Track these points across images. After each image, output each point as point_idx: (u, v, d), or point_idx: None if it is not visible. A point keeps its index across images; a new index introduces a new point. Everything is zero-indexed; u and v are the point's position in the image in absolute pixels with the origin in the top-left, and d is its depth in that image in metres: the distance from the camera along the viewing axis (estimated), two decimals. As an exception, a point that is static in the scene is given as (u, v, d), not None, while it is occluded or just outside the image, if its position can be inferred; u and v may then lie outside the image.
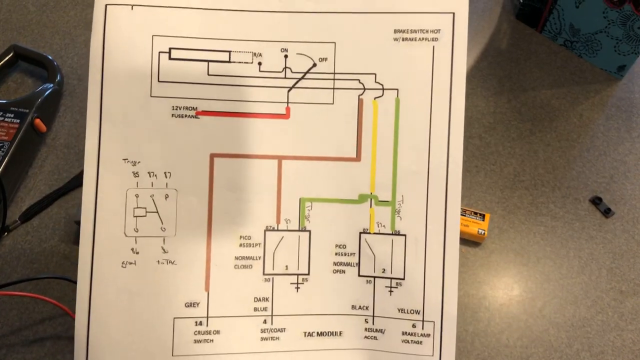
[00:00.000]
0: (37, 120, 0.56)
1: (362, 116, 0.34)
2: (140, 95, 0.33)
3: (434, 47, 0.33)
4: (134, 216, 0.33)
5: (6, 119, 0.55)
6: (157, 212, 0.33)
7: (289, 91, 0.34)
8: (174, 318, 0.33)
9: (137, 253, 0.33)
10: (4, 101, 0.57)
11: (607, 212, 0.56)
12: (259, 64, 0.34)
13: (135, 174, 0.33)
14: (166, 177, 0.33)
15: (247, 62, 0.34)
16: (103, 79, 0.33)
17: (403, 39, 0.33)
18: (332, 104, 0.34)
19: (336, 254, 0.34)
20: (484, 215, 0.54)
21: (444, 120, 0.33)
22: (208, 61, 0.33)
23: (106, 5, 0.33)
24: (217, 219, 0.33)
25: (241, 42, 0.33)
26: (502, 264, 0.53)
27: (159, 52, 0.33)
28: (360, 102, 0.34)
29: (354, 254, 0.34)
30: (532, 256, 0.53)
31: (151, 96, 0.33)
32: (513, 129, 0.61)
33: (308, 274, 0.34)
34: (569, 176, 0.58)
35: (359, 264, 0.34)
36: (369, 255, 0.34)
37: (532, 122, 0.62)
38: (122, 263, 0.33)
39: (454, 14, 0.33)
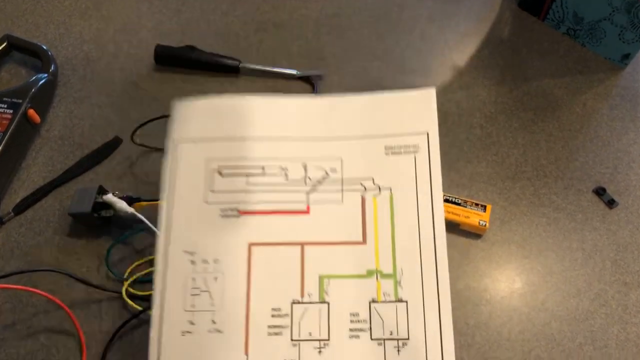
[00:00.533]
0: (31, 111, 0.55)
1: (365, 210, 0.43)
2: (198, 203, 0.43)
3: (415, 157, 0.44)
4: (191, 295, 0.41)
5: (-1, 110, 0.54)
6: (209, 291, 0.41)
7: (308, 194, 0.44)
8: None
9: (193, 324, 0.40)
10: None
11: (610, 203, 0.55)
12: (286, 175, 0.44)
13: (193, 262, 0.42)
14: (215, 263, 0.42)
15: (276, 175, 0.44)
16: (174, 189, 0.43)
17: (392, 153, 0.44)
18: (342, 202, 0.44)
19: (351, 321, 0.41)
20: (485, 207, 0.53)
21: (428, 207, 0.42)
22: (247, 175, 0.44)
23: (176, 142, 0.45)
24: (254, 295, 0.41)
25: (272, 159, 0.45)
26: (503, 256, 0.52)
27: (212, 170, 0.44)
28: (362, 200, 0.43)
29: (366, 320, 0.41)
30: (534, 248, 0.52)
31: (206, 202, 0.43)
32: (515, 119, 0.60)
33: (328, 339, 0.40)
34: (572, 167, 0.57)
35: (370, 329, 0.40)
36: (378, 321, 0.40)
37: (535, 111, 0.61)
38: (182, 332, 0.40)
39: (427, 133, 0.44)
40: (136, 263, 0.50)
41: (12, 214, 0.53)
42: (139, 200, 0.50)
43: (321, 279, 0.41)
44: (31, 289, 0.46)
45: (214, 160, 0.44)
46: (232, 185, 0.44)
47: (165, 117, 0.56)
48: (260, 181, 0.44)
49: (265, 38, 0.66)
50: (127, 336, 0.47)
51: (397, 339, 0.40)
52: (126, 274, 0.49)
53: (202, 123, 0.46)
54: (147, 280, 0.49)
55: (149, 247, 0.51)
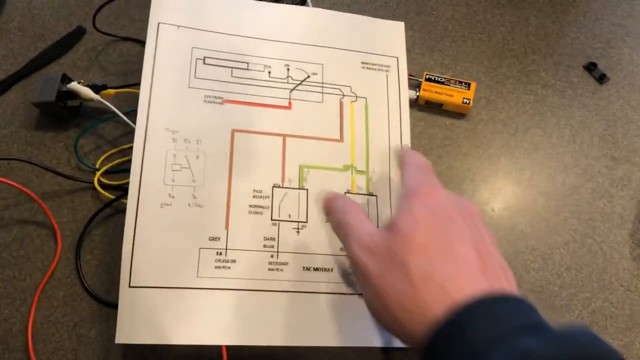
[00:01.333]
0: (-15, 0, 0.52)
1: (343, 113, 0.46)
2: (181, 86, 0.44)
3: (387, 75, 0.48)
4: (172, 170, 0.42)
5: (-51, -1, 0.51)
6: (190, 167, 0.42)
7: (290, 91, 0.46)
8: (200, 248, 0.41)
9: (173, 197, 0.42)
10: (-54, -21, 0.52)
11: (601, 79, 0.52)
12: (269, 72, 0.47)
13: (174, 140, 0.43)
14: (197, 143, 0.43)
15: (260, 71, 0.46)
16: (154, 71, 0.44)
17: (368, 68, 0.48)
18: (322, 102, 0.47)
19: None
20: (469, 84, 0.50)
21: (397, 119, 0.47)
22: (232, 67, 0.46)
23: (159, 24, 0.45)
24: (236, 176, 0.43)
25: (256, 57, 0.47)
26: (488, 135, 0.50)
27: (196, 59, 0.45)
28: (341, 104, 0.47)
29: None
30: (521, 126, 0.50)
31: (189, 87, 0.44)
32: (503, -5, 0.57)
33: (306, 221, 0.43)
34: (563, 42, 0.54)
35: None
36: None
37: (524, -14, 0.57)
38: (161, 204, 0.41)
39: (397, 58, 0.49)
40: (107, 153, 0.48)
41: (-25, 109, 0.50)
42: (105, 87, 0.48)
43: (301, 167, 0.44)
44: (1, 178, 0.44)
45: (199, 49, 0.46)
46: (216, 74, 0.45)
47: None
48: (245, 75, 0.46)
49: None
50: (102, 226, 0.46)
51: None
52: (98, 164, 0.47)
53: (187, 11, 0.46)
54: (119, 170, 0.47)
55: (120, 138, 0.49)
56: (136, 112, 0.47)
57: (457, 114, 0.51)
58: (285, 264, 0.41)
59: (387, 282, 0.28)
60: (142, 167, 0.42)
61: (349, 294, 0.41)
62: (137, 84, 0.48)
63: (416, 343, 0.27)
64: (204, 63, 0.45)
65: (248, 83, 0.46)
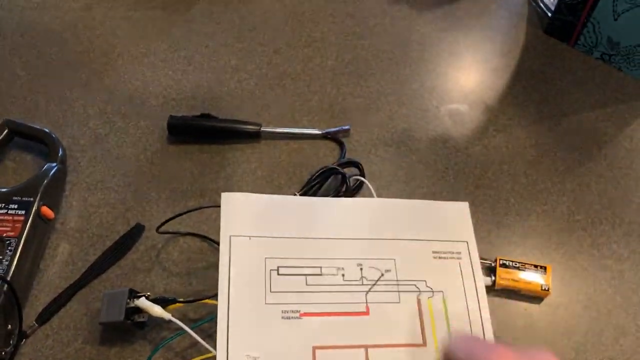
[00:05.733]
0: (44, 208, 0.51)
1: (422, 311, 0.45)
2: (258, 304, 0.43)
3: (459, 263, 0.46)
4: None
5: (9, 211, 0.50)
6: None
7: (366, 294, 0.45)
8: None
9: None
10: (5, 189, 0.52)
11: (675, 248, 0.51)
12: (342, 275, 0.45)
13: None
14: None
15: (333, 275, 0.45)
16: (229, 290, 0.43)
17: (439, 257, 0.47)
18: (399, 302, 0.45)
19: None
20: (545, 268, 0.49)
21: (476, 310, 0.45)
22: (306, 275, 0.45)
23: (230, 237, 0.45)
24: None
25: (329, 260, 0.46)
26: (570, 320, 0.48)
27: (270, 270, 0.44)
28: (418, 301, 0.45)
29: None
30: (602, 308, 0.49)
31: (266, 304, 0.43)
32: (559, 162, 0.56)
33: None
34: (629, 210, 0.53)
35: None
36: None
37: (579, 151, 0.57)
38: None
39: (467, 242, 0.47)
40: (178, 370, 0.46)
41: (36, 325, 0.48)
42: (174, 301, 0.46)
43: None
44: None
45: (272, 258, 0.45)
46: (291, 285, 0.45)
47: (194, 210, 0.52)
48: (319, 281, 0.45)
49: (282, 94, 0.62)
50: None
51: None
52: (169, 384, 0.45)
53: (258, 220, 0.46)
54: (192, 388, 0.45)
55: (188, 349, 0.47)
56: (206, 323, 0.46)
57: (533, 297, 0.49)
58: None
59: None
60: None
61: None
62: (206, 297, 0.47)
63: None
64: (278, 274, 0.45)
65: (323, 290, 0.45)
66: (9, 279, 0.47)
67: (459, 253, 0.47)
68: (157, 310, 0.46)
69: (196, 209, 0.52)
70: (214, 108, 0.59)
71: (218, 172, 0.56)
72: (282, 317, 0.43)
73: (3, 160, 0.58)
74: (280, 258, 0.45)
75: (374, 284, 0.45)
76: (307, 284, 0.45)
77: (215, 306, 0.46)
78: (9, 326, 0.47)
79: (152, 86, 0.62)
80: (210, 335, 0.46)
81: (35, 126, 0.57)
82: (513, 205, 0.54)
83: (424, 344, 0.44)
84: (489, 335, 0.44)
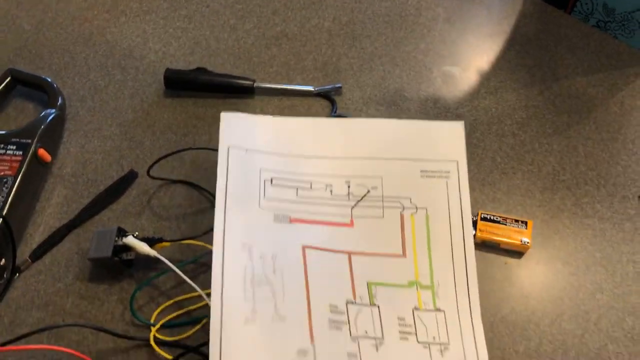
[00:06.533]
0: (41, 150, 0.53)
1: (404, 226, 0.47)
2: (252, 207, 0.46)
3: (447, 182, 0.47)
4: (252, 286, 0.43)
5: (8, 152, 0.52)
6: (269, 282, 0.43)
7: (352, 209, 0.47)
8: None
9: (256, 312, 0.42)
10: (4, 132, 0.54)
11: (659, 209, 0.51)
12: (331, 191, 0.48)
13: (250, 256, 0.44)
14: (272, 259, 0.44)
15: (322, 189, 0.48)
16: (226, 195, 0.45)
17: (427, 176, 0.48)
18: (382, 217, 0.47)
19: (399, 324, 0.44)
20: (526, 223, 0.49)
21: (459, 228, 0.46)
22: (297, 188, 0.48)
23: (229, 148, 0.47)
24: (312, 290, 0.44)
25: (318, 176, 0.48)
26: (549, 275, 0.49)
27: (264, 180, 0.47)
28: (401, 217, 0.47)
29: (411, 325, 0.44)
30: (581, 264, 0.49)
31: (259, 207, 0.46)
32: (548, 124, 0.57)
33: (382, 338, 0.43)
34: (614, 172, 0.54)
35: (416, 333, 0.44)
36: (421, 326, 0.44)
37: (569, 114, 0.57)
38: (245, 321, 0.42)
39: (457, 161, 0.48)
40: (162, 306, 0.47)
41: (30, 261, 0.50)
42: (160, 240, 0.48)
43: (369, 284, 0.45)
44: (56, 347, 0.44)
45: (266, 171, 0.48)
46: (283, 194, 0.47)
47: (182, 151, 0.54)
48: (308, 195, 0.47)
49: (277, 53, 0.63)
50: (159, 386, 0.45)
51: (440, 343, 0.44)
52: (152, 319, 0.47)
53: (253, 136, 0.49)
54: (174, 325, 0.47)
55: (174, 288, 0.49)
56: (191, 263, 0.48)
57: (514, 252, 0.50)
58: None
59: None
60: (222, 284, 0.42)
61: None
62: (193, 237, 0.48)
63: None
64: (272, 184, 0.47)
65: (312, 202, 0.47)
66: (4, 214, 0.49)
67: (448, 172, 0.48)
68: (144, 247, 0.47)
69: (186, 150, 0.53)
70: (210, 65, 0.61)
71: (211, 125, 0.57)
72: (274, 221, 0.46)
73: (6, 108, 0.59)
74: (273, 170, 0.47)
75: (359, 200, 0.47)
76: (297, 196, 0.47)
77: (201, 248, 0.48)
78: (3, 261, 0.49)
79: (152, 42, 0.64)
80: (195, 277, 0.47)
81: (37, 74, 0.59)
82: (499, 164, 0.55)
83: (404, 255, 0.46)
84: (470, 254, 0.45)
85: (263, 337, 0.41)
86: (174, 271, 0.48)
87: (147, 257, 0.49)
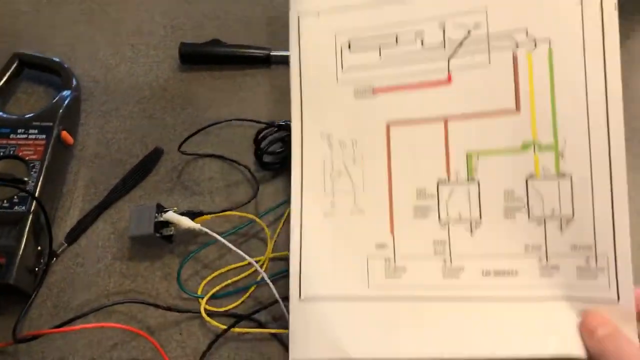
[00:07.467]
0: (64, 133, 0.52)
1: (518, 70, 0.37)
2: (330, 84, 0.42)
3: (581, 4, 0.36)
4: (330, 178, 0.42)
5: (30, 136, 0.51)
6: (348, 173, 0.41)
7: (449, 60, 0.39)
8: (368, 257, 0.40)
9: (334, 206, 0.41)
10: (24, 116, 0.52)
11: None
12: (421, 41, 0.40)
13: (330, 145, 0.42)
14: (353, 146, 0.41)
15: (411, 42, 0.40)
16: (301, 72, 0.43)
17: None
18: (489, 63, 0.38)
19: (505, 199, 0.38)
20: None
21: (599, 64, 0.35)
22: (379, 46, 0.41)
23: (299, 17, 0.44)
24: (395, 176, 0.40)
25: (405, 24, 0.41)
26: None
27: (341, 46, 0.42)
28: (514, 58, 0.37)
29: (522, 198, 0.37)
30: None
31: (337, 83, 0.42)
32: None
33: (480, 219, 0.38)
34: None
35: (528, 208, 0.37)
36: (537, 199, 0.37)
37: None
38: (324, 214, 0.41)
39: None
40: (208, 278, 0.48)
41: (65, 244, 0.50)
42: (201, 214, 0.48)
43: (469, 156, 0.39)
44: (108, 324, 0.44)
45: (342, 33, 0.42)
46: (363, 60, 0.42)
47: (213, 125, 0.53)
48: (394, 52, 0.41)
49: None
50: (214, 357, 0.45)
51: (560, 218, 0.36)
52: (200, 291, 0.47)
53: None
54: (222, 296, 0.47)
55: (217, 260, 0.49)
56: (234, 235, 0.49)
57: None
58: (461, 269, 0.38)
59: None
60: (302, 178, 0.42)
61: (538, 300, 0.36)
62: (231, 209, 0.48)
63: None
64: (349, 49, 0.42)
65: (399, 62, 0.41)
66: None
67: None
68: (187, 222, 0.47)
69: (217, 123, 0.53)
70: (223, 34, 0.60)
71: (231, 97, 0.57)
72: (355, 97, 0.42)
73: (15, 93, 0.58)
74: (351, 29, 0.42)
75: (458, 46, 0.39)
76: (380, 57, 0.41)
77: (241, 218, 0.48)
78: (39, 247, 0.48)
79: (159, 17, 0.62)
80: (238, 246, 0.47)
81: (46, 56, 0.57)
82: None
83: (517, 109, 0.37)
84: (615, 92, 0.34)
85: (342, 231, 0.40)
86: (215, 243, 0.48)
87: (186, 232, 0.49)
